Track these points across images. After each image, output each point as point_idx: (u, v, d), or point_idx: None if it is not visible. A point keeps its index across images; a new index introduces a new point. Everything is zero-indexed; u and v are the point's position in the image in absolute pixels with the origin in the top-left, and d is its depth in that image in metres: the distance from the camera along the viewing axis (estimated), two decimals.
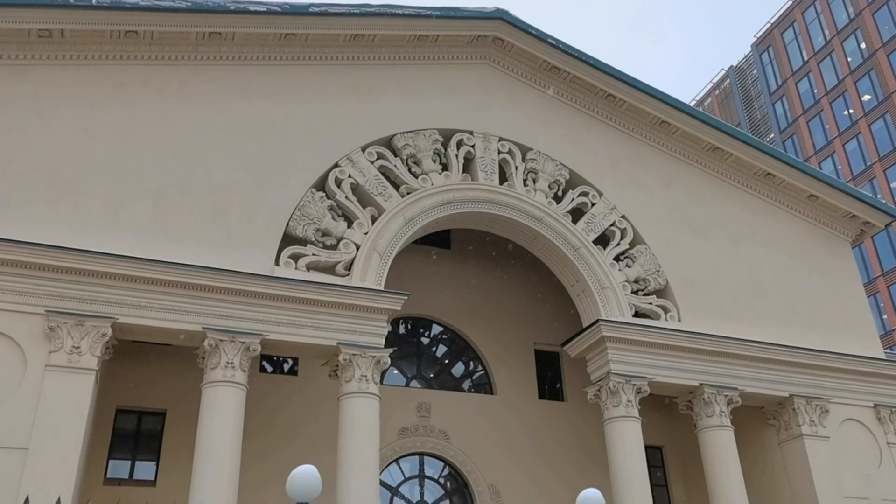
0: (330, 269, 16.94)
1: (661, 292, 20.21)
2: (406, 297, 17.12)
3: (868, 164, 55.54)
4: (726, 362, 19.58)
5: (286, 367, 20.63)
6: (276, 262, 16.41)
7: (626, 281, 19.75)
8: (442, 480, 21.25)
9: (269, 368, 20.38)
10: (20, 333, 13.91)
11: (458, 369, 23.01)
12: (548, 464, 21.43)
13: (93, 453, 16.43)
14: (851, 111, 57.83)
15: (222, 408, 14.91)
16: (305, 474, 6.12)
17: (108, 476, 17.51)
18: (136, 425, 18.51)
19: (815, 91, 61.49)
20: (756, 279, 21.57)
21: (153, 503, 5.61)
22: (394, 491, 20.36)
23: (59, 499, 5.61)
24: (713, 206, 22.14)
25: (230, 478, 14.25)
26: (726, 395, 19.29)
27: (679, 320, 19.74)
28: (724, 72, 75.06)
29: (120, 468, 17.98)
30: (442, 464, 21.22)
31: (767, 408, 20.69)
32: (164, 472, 17.70)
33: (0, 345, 13.74)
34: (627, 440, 17.97)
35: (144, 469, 18.12)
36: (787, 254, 22.55)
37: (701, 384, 19.20)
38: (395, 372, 21.74)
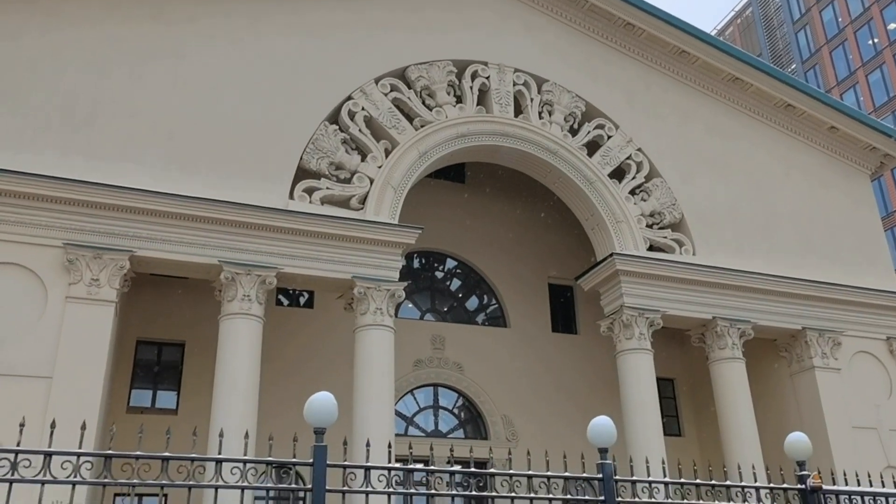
0: (344, 202, 16.94)
1: (677, 226, 20.11)
2: (420, 231, 17.14)
3: (891, 95, 54.26)
4: (740, 295, 19.62)
5: (302, 300, 20.89)
6: (291, 196, 16.41)
7: (642, 214, 19.64)
8: (456, 411, 21.67)
9: (286, 301, 20.64)
10: (40, 266, 14.09)
11: (472, 303, 23.20)
12: (560, 395, 21.77)
13: (115, 383, 16.84)
14: (876, 40, 56.19)
15: (240, 339, 15.16)
16: (322, 401, 6.23)
17: (130, 405, 18.01)
18: (157, 356, 18.91)
19: (840, 20, 59.68)
20: (773, 212, 21.41)
21: (175, 430, 5.78)
22: (409, 420, 20.81)
23: (83, 423, 5.77)
24: (732, 139, 21.82)
25: (249, 406, 14.58)
26: (739, 328, 19.39)
27: (694, 254, 19.70)
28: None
29: (142, 397, 18.48)
30: (456, 395, 21.61)
31: (780, 340, 20.80)
32: (184, 401, 18.17)
33: (20, 277, 13.96)
34: (639, 372, 18.18)
35: (166, 398, 18.59)
36: (804, 186, 22.31)
37: (714, 317, 19.28)
38: (410, 305, 21.95)
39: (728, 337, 19.21)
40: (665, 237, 19.72)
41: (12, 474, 5.19)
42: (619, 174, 19.98)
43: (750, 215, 21.02)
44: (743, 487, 7.61)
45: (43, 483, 5.27)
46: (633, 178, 19.95)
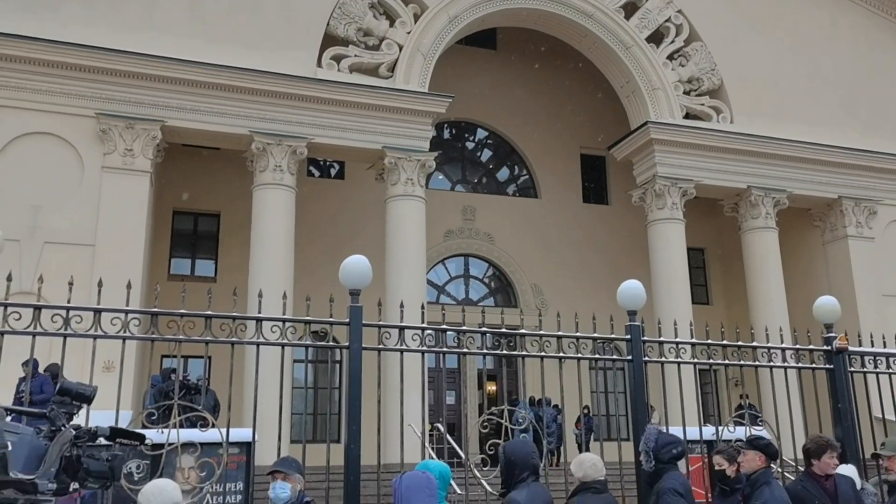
0: (373, 70, 16.62)
1: (715, 93, 19.49)
2: (450, 100, 16.86)
3: None
4: (776, 164, 19.25)
5: (333, 171, 20.95)
6: (319, 64, 16.12)
7: (679, 81, 19.04)
8: (486, 280, 22.06)
9: (317, 173, 20.72)
10: (74, 136, 14.22)
11: (503, 174, 23.09)
12: (590, 264, 21.95)
13: (155, 252, 17.30)
14: None
15: (273, 209, 15.38)
16: (357, 263, 6.34)
17: (171, 273, 18.59)
18: (193, 226, 19.31)
19: None
20: (816, 78, 20.60)
21: (215, 293, 6.01)
22: (440, 289, 21.27)
23: (129, 282, 5.99)
24: (776, 0, 20.71)
25: (285, 270, 14.94)
26: (774, 198, 19.15)
27: (731, 122, 19.20)
28: None
29: (181, 265, 19.05)
30: (486, 264, 21.93)
31: (814, 210, 20.56)
32: (222, 269, 18.68)
33: (56, 147, 14.13)
34: (670, 241, 18.20)
35: (204, 266, 19.15)
36: (850, 51, 21.32)
37: (748, 186, 19.02)
38: (441, 177, 21.92)
39: (762, 206, 19.02)
40: (702, 104, 19.19)
41: (65, 329, 5.45)
42: (657, 38, 19.21)
43: (792, 80, 20.26)
44: (769, 348, 7.71)
45: (95, 338, 5.52)
46: (672, 42, 19.20)
